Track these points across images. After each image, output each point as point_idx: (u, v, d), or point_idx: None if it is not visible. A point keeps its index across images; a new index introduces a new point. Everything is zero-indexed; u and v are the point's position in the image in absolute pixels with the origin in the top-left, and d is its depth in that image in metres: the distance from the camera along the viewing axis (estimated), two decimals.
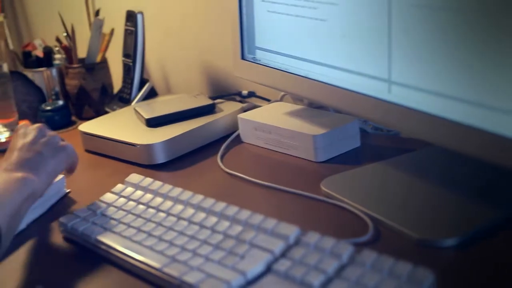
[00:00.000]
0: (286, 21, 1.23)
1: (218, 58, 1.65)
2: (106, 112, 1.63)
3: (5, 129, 1.59)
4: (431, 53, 0.92)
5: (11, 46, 1.92)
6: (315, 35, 1.16)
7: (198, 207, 1.02)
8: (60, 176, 1.24)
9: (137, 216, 1.05)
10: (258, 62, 1.32)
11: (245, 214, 0.97)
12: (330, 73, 1.13)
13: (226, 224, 0.96)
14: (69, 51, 1.72)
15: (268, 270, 0.86)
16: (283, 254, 0.88)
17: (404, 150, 1.24)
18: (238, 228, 0.94)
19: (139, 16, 1.58)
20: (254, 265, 0.86)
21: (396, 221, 0.98)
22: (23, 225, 1.14)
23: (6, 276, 1.00)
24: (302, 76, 1.21)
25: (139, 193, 1.11)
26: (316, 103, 1.38)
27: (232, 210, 0.99)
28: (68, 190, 1.26)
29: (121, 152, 1.38)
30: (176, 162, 1.34)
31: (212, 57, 1.67)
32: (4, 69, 1.59)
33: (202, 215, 1.00)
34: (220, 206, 1.00)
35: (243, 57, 1.36)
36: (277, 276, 0.85)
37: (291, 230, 0.91)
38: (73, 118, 1.71)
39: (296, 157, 1.29)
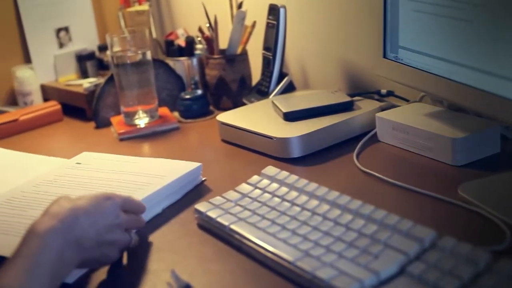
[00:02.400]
0: (431, 20, 1.21)
1: (357, 56, 1.64)
2: (244, 104, 1.65)
3: (145, 115, 1.64)
4: None
5: (154, 35, 1.97)
6: (460, 36, 1.13)
7: (334, 204, 1.02)
8: (198, 164, 1.27)
9: (272, 208, 1.06)
10: (400, 61, 1.31)
11: (380, 213, 0.96)
12: (474, 75, 1.11)
13: (361, 222, 0.96)
14: (210, 42, 1.75)
15: (401, 271, 0.86)
16: (418, 257, 0.87)
17: None
18: (373, 227, 0.94)
19: (281, 10, 1.59)
20: (388, 265, 0.86)
21: None
22: (159, 209, 1.18)
23: (140, 258, 1.03)
24: (444, 77, 1.18)
25: (274, 185, 1.12)
26: (457, 106, 1.35)
27: (368, 208, 0.98)
28: (204, 178, 1.28)
29: (257, 144, 1.40)
30: (311, 157, 1.34)
31: (351, 54, 1.66)
32: (148, 57, 1.63)
33: (337, 211, 1.00)
34: (356, 204, 1.00)
35: (385, 56, 1.35)
36: (410, 278, 0.84)
37: (427, 233, 0.90)
38: (211, 107, 1.74)
39: (433, 159, 1.27)
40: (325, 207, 1.02)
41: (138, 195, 1.14)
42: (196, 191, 1.26)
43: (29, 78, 1.89)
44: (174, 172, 1.24)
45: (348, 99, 1.46)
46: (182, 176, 1.23)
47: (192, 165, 1.27)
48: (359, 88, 1.62)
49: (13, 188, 1.26)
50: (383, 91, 1.53)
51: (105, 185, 1.23)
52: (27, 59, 1.95)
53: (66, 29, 1.98)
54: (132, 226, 1.03)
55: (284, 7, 1.59)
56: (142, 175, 1.25)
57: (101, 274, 1.00)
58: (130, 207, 1.04)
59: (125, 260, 1.03)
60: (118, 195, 1.02)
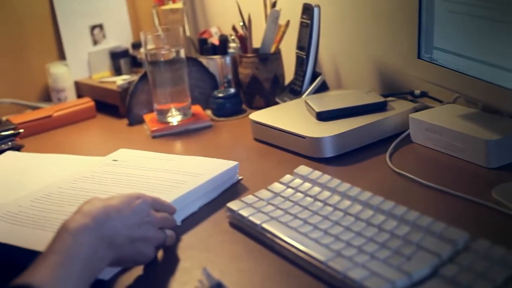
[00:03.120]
0: (466, 21, 1.20)
1: (391, 56, 1.63)
2: (277, 103, 1.65)
3: (177, 112, 1.64)
4: None
5: (187, 33, 1.97)
6: (495, 38, 1.12)
7: (366, 204, 1.02)
8: (235, 163, 1.27)
9: (304, 208, 1.06)
10: (435, 62, 1.30)
11: (413, 215, 0.96)
12: (509, 77, 1.10)
13: (393, 223, 0.96)
14: (244, 41, 1.75)
15: (433, 273, 0.85)
16: (451, 259, 0.87)
17: None
18: (405, 229, 0.94)
19: (315, 10, 1.58)
20: (420, 267, 0.86)
21: None
22: (195, 207, 1.18)
23: (172, 255, 1.04)
24: (479, 78, 1.18)
25: (307, 185, 1.12)
26: (491, 107, 1.34)
27: (400, 210, 0.98)
28: (240, 177, 1.29)
29: (290, 143, 1.40)
30: (344, 157, 1.34)
31: (385, 54, 1.65)
32: (181, 55, 1.64)
33: (369, 212, 1.00)
34: (388, 205, 1.00)
35: (419, 56, 1.34)
36: (442, 280, 0.83)
37: (460, 235, 0.89)
38: (244, 106, 1.74)
39: (466, 161, 1.26)
40: (358, 207, 1.02)
41: (176, 193, 1.15)
42: (229, 190, 1.26)
43: (63, 75, 1.91)
44: (211, 171, 1.24)
45: (381, 99, 1.45)
46: (219, 174, 1.24)
47: (229, 163, 1.27)
48: (393, 89, 1.61)
49: (50, 184, 1.27)
50: (417, 92, 1.52)
51: (143, 183, 1.24)
52: (62, 56, 1.97)
53: (100, 26, 1.99)
54: (164, 224, 1.03)
55: (318, 6, 1.58)
56: (179, 173, 1.26)
57: (135, 271, 1.01)
58: (160, 207, 1.04)
59: (157, 258, 1.04)
60: (148, 195, 1.02)
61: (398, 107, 1.45)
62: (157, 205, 1.03)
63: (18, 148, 1.59)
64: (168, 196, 1.14)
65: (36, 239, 1.04)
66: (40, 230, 1.08)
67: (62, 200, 1.19)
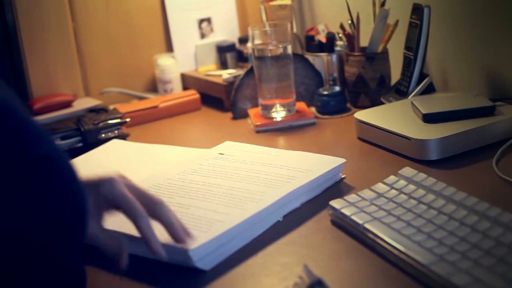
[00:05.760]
0: None
1: (500, 59, 1.60)
2: (382, 103, 1.64)
3: (282, 108, 1.65)
4: None
5: (294, 29, 1.98)
6: None
7: (471, 209, 1.00)
8: (342, 160, 1.27)
9: (408, 210, 1.05)
10: None
11: None
12: None
13: (499, 230, 0.94)
14: (351, 39, 1.74)
15: None
16: None
17: None
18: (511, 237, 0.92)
19: (425, 10, 1.56)
20: None
21: None
22: (297, 203, 1.18)
23: (273, 251, 1.04)
24: None
25: (411, 187, 1.11)
26: None
27: (507, 217, 0.96)
28: (343, 176, 1.28)
29: (394, 144, 1.38)
30: (448, 161, 1.32)
31: (494, 58, 1.62)
32: (288, 51, 1.64)
33: (474, 218, 0.98)
34: (495, 211, 0.98)
35: None
36: None
37: None
38: (348, 105, 1.73)
39: None
40: (463, 212, 1.00)
41: (286, 189, 1.16)
42: (332, 187, 1.26)
43: (170, 67, 1.94)
44: (320, 167, 1.24)
45: (490, 103, 1.42)
46: (327, 171, 1.24)
47: (337, 161, 1.27)
48: (501, 93, 1.58)
49: (157, 174, 1.29)
50: None
51: (251, 176, 1.24)
52: (169, 48, 2.00)
53: (208, 20, 2.02)
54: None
55: (429, 6, 1.56)
56: (287, 168, 1.26)
57: (233, 260, 1.02)
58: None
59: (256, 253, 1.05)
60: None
61: (507, 112, 1.41)
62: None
63: (124, 137, 1.63)
64: (278, 191, 1.15)
65: None
66: (152, 221, 1.10)
67: (172, 191, 1.21)
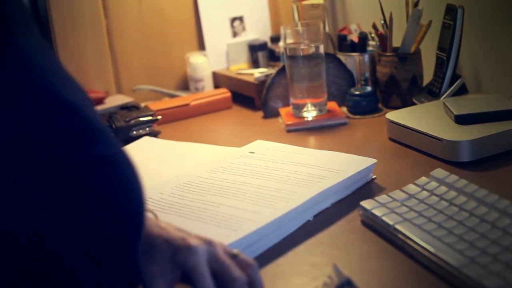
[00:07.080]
0: None
1: None
2: (414, 103, 1.63)
3: (313, 108, 1.65)
4: None
5: (326, 29, 1.97)
6: None
7: (503, 212, 0.99)
8: (373, 160, 1.27)
9: (439, 211, 1.04)
10: None
11: None
12: None
13: None
14: (384, 39, 1.73)
15: None
16: None
17: None
18: None
19: (459, 10, 1.55)
20: None
21: None
22: (328, 203, 1.18)
23: (302, 250, 1.04)
24: None
25: (443, 188, 1.10)
26: None
27: None
28: (374, 176, 1.28)
29: (425, 145, 1.38)
30: (480, 163, 1.31)
31: None
32: (320, 51, 1.64)
33: (506, 220, 0.97)
34: None
35: None
36: None
37: None
38: (380, 105, 1.72)
39: None
40: (494, 215, 0.99)
41: (317, 188, 1.16)
42: (362, 188, 1.26)
43: (202, 65, 1.95)
44: (351, 168, 1.24)
45: None
46: (358, 172, 1.23)
47: (368, 161, 1.27)
48: None
49: (188, 172, 1.30)
50: None
51: (281, 176, 1.25)
52: (201, 46, 2.01)
53: (240, 18, 2.02)
54: None
55: (462, 7, 1.55)
56: (318, 168, 1.26)
57: (262, 259, 1.02)
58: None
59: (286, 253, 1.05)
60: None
61: None
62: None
63: (155, 134, 1.63)
64: (309, 191, 1.15)
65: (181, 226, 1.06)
66: (184, 218, 1.11)
67: (203, 189, 1.22)
